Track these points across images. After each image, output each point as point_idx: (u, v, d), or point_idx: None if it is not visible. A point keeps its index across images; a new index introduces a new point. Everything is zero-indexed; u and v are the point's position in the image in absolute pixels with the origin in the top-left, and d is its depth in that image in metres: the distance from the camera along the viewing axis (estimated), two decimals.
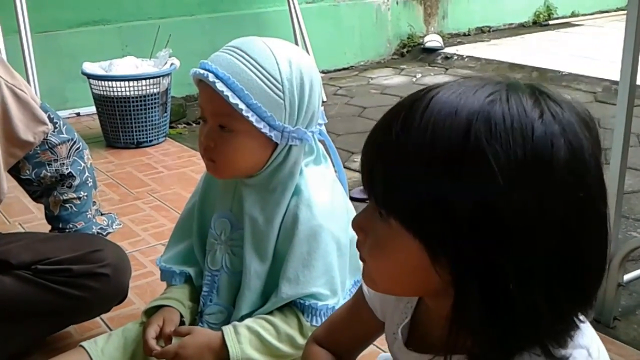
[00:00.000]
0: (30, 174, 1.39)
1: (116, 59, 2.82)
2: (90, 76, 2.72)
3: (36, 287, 1.27)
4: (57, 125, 1.40)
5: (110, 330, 1.43)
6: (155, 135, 2.80)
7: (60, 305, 1.28)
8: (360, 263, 0.68)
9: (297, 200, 1.09)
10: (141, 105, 2.71)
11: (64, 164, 1.41)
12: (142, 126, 2.74)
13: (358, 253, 0.68)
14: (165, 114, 2.83)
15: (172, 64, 2.78)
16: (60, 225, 1.46)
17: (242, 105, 1.02)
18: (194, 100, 3.44)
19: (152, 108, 2.73)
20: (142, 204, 2.16)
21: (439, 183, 0.56)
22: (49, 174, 1.39)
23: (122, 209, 2.11)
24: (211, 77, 1.02)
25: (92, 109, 2.93)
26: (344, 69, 4.31)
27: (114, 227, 1.56)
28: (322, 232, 1.07)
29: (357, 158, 2.58)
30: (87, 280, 1.29)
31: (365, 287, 0.83)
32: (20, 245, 1.34)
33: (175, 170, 2.49)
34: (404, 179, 0.58)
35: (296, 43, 3.47)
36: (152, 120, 2.76)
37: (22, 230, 1.51)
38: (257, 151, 1.08)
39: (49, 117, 1.37)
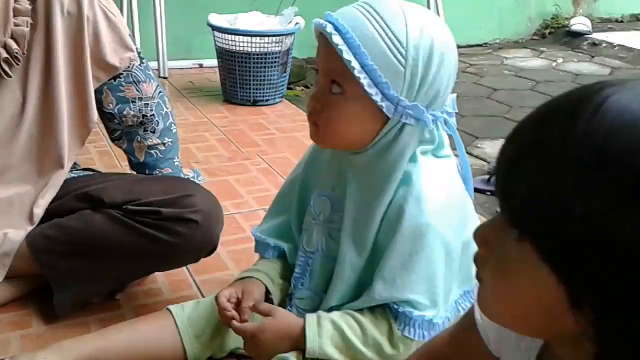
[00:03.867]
0: (113, 109, 1.37)
1: (242, 14, 2.76)
2: (215, 28, 2.68)
3: (125, 228, 1.23)
4: (143, 62, 1.39)
5: (202, 294, 1.37)
6: (272, 95, 2.73)
7: (147, 248, 1.23)
8: (473, 272, 0.55)
9: (406, 191, 0.95)
10: (261, 63, 2.64)
11: (147, 104, 1.38)
12: (260, 84, 2.68)
13: (474, 267, 0.55)
14: (285, 75, 2.76)
15: (297, 24, 2.69)
16: (147, 172, 1.44)
17: (355, 64, 0.89)
18: (314, 62, 3.36)
19: (272, 67, 2.67)
20: (251, 164, 2.10)
21: (602, 211, 0.41)
22: (132, 113, 1.37)
23: (230, 167, 2.06)
24: (329, 28, 0.90)
25: (215, 62, 2.90)
26: (477, 45, 4.06)
27: (199, 179, 1.53)
28: (430, 233, 0.93)
29: (482, 144, 2.39)
30: (176, 225, 1.22)
31: (478, 312, 0.69)
32: (115, 184, 1.31)
33: (287, 134, 2.41)
34: (553, 198, 0.44)
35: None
36: (270, 80, 2.69)
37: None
38: (366, 122, 0.94)
39: (136, 50, 1.36)
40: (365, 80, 0.89)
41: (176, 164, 1.47)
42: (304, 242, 1.09)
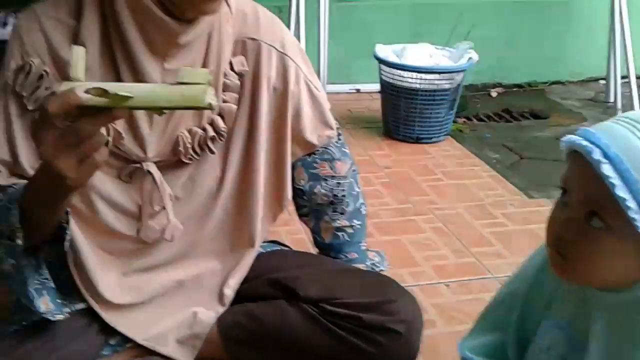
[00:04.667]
0: (304, 185, 1.30)
1: (410, 44, 2.63)
2: (381, 61, 2.57)
3: (322, 330, 1.17)
4: (340, 137, 1.32)
5: None
6: (436, 132, 2.59)
7: (344, 354, 1.17)
8: None
9: None
10: (429, 100, 2.50)
11: (340, 184, 1.31)
12: (426, 121, 2.54)
13: None
14: (451, 112, 2.61)
15: (469, 58, 2.53)
16: (332, 254, 1.36)
17: (631, 203, 0.74)
18: (476, 91, 3.18)
19: (440, 104, 2.52)
20: (422, 221, 1.97)
21: None
22: (322, 191, 1.30)
23: (400, 224, 1.95)
24: (597, 154, 0.75)
25: (373, 86, 2.80)
26: None
27: (385, 265, 1.42)
28: None
29: None
30: (376, 333, 1.15)
31: None
32: (310, 276, 1.24)
33: (455, 181, 2.27)
34: None
35: (612, 40, 3.00)
36: (437, 117, 2.55)
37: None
38: (632, 260, 0.79)
39: (335, 127, 1.30)
40: None
41: (362, 248, 1.38)
42: None
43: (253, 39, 1.16)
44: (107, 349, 1.18)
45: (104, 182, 1.12)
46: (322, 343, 1.17)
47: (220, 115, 1.16)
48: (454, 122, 2.77)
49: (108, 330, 1.18)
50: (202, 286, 1.25)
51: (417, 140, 2.57)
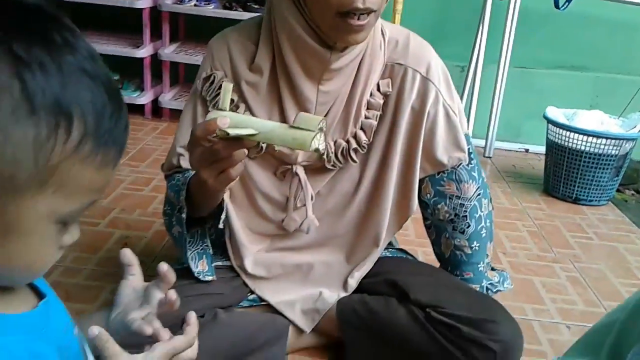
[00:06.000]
0: (429, 199, 1.40)
1: (582, 110, 2.68)
2: (549, 121, 2.65)
3: (424, 331, 1.29)
4: (472, 162, 1.39)
5: None
6: (597, 196, 2.59)
7: (436, 358, 1.28)
8: None
9: None
10: (593, 163, 2.53)
11: (463, 204, 1.39)
12: (587, 184, 2.56)
13: None
14: (617, 178, 2.59)
15: None
16: (449, 269, 1.46)
17: None
18: None
19: (603, 169, 2.53)
20: (560, 269, 2.01)
21: None
22: (445, 208, 1.39)
23: (537, 267, 2.01)
24: None
25: (542, 148, 2.86)
26: None
27: (504, 285, 1.49)
28: None
29: None
30: (472, 347, 1.24)
31: None
32: (423, 282, 1.37)
33: (606, 242, 2.26)
34: None
35: None
36: (599, 181, 2.55)
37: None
38: None
39: (468, 151, 1.37)
40: None
41: (480, 269, 1.45)
42: None
43: (400, 64, 1.32)
44: (246, 301, 1.41)
45: (262, 177, 1.36)
46: (422, 344, 1.28)
47: (362, 129, 1.34)
48: (620, 191, 2.75)
49: (249, 287, 1.42)
50: (331, 272, 1.44)
51: (575, 201, 2.59)
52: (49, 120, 0.51)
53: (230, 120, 0.99)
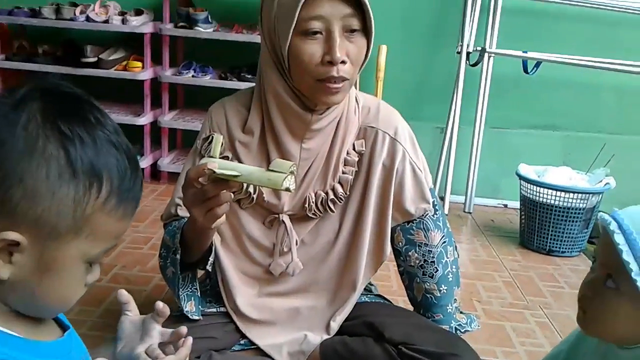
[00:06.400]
0: (401, 247, 1.55)
1: (553, 167, 2.88)
2: (521, 177, 2.84)
3: None
4: (437, 213, 1.55)
5: None
6: (569, 247, 2.76)
7: None
8: None
9: None
10: (563, 216, 2.71)
11: (431, 251, 1.54)
12: (558, 236, 2.74)
13: None
14: (586, 230, 2.77)
15: (606, 184, 2.71)
16: (421, 312, 1.60)
17: (633, 266, 0.93)
18: None
19: (573, 221, 2.71)
20: (530, 315, 2.16)
21: None
22: (415, 255, 1.54)
23: (509, 313, 2.16)
24: (612, 226, 0.97)
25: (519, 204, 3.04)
26: None
27: (472, 326, 1.63)
28: None
29: None
30: None
31: None
32: (397, 323, 1.52)
33: (576, 290, 2.28)
34: None
35: None
36: (570, 233, 2.73)
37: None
38: (637, 321, 0.98)
39: (433, 203, 1.53)
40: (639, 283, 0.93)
41: (449, 310, 1.59)
42: None
43: (372, 127, 1.51)
44: (237, 346, 1.56)
45: (253, 225, 1.53)
46: None
47: (340, 183, 1.52)
48: (592, 243, 2.91)
49: (240, 333, 1.56)
50: (315, 316, 1.58)
51: (549, 253, 2.76)
52: (85, 182, 0.68)
53: (218, 165, 1.19)
